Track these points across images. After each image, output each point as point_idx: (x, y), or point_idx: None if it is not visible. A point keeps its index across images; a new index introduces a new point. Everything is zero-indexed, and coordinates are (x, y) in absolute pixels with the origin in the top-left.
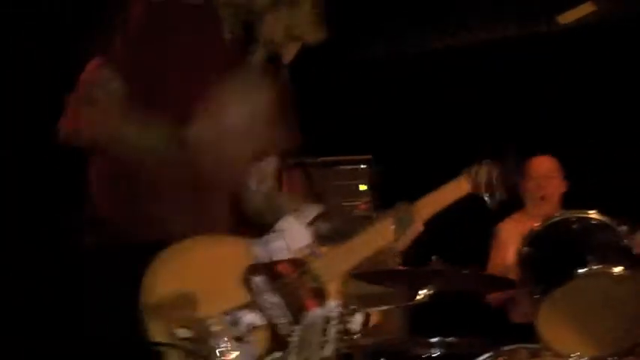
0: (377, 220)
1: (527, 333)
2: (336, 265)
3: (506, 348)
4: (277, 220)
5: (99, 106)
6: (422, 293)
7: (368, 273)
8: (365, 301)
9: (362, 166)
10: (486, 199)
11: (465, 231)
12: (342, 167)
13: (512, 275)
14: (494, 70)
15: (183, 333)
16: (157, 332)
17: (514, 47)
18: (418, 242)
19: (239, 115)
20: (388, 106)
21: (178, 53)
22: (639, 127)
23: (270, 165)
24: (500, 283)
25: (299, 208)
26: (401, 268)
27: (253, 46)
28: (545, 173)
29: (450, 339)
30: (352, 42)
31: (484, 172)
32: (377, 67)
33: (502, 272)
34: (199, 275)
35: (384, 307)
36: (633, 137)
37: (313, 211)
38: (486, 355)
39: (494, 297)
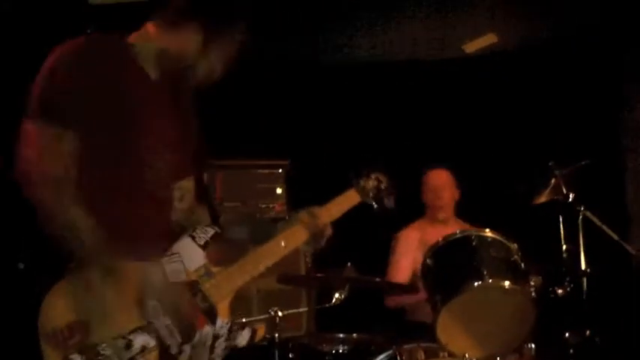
0: (285, 227)
1: (423, 331)
2: (226, 285)
3: (406, 346)
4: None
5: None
6: (336, 297)
7: (289, 276)
8: (282, 303)
9: (279, 170)
10: (375, 206)
11: (373, 238)
12: (260, 171)
13: (409, 278)
14: (403, 88)
15: (77, 359)
16: (54, 359)
17: (423, 68)
18: (332, 250)
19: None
20: (306, 113)
21: (106, 88)
22: (525, 142)
23: (189, 182)
24: (405, 289)
25: (196, 229)
26: (318, 274)
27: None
28: (441, 184)
29: (354, 336)
30: (280, 47)
31: (372, 183)
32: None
33: (400, 278)
34: (94, 302)
35: (300, 310)
36: (520, 151)
37: (208, 231)
38: (387, 353)
39: (392, 299)
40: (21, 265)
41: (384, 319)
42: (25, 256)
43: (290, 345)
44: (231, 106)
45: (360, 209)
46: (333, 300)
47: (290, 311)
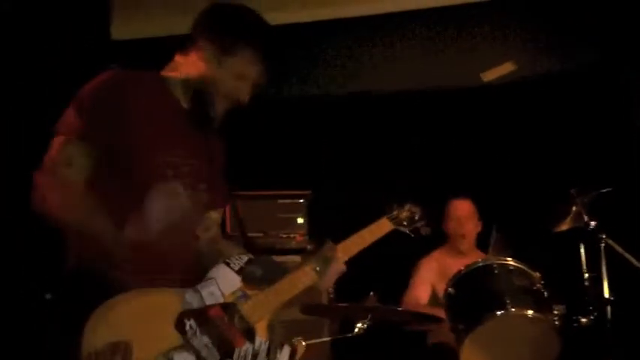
0: (300, 263)
1: (446, 354)
2: (263, 306)
3: None
4: (214, 263)
5: (64, 189)
6: (358, 327)
7: (312, 306)
8: (305, 333)
9: (300, 201)
10: (411, 235)
11: (395, 268)
12: (281, 201)
13: (428, 306)
14: (424, 117)
15: None
16: None
17: (440, 98)
18: (355, 279)
19: (198, 168)
20: (328, 143)
21: (139, 119)
22: (545, 169)
23: (217, 214)
24: (429, 319)
25: (232, 255)
26: (340, 304)
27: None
28: (464, 214)
29: None
30: (302, 76)
31: (405, 213)
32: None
33: (417, 304)
34: (135, 325)
35: (324, 339)
36: (540, 179)
37: (243, 258)
38: None
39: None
40: (48, 296)
41: (406, 348)
42: (53, 286)
43: None
44: (252, 136)
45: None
46: (356, 330)
47: (313, 341)
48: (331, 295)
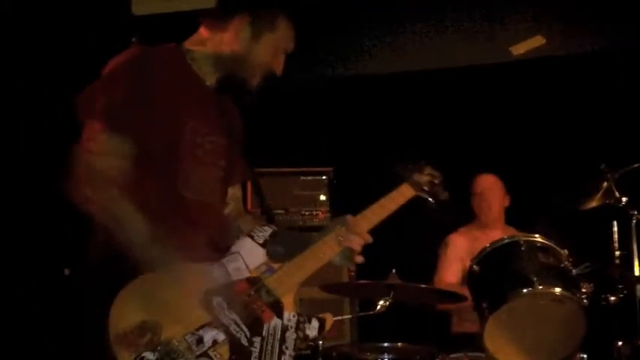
0: (323, 234)
1: (470, 341)
2: (288, 279)
3: (452, 355)
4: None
5: (98, 183)
6: (380, 304)
7: (333, 285)
8: (325, 312)
9: (322, 177)
10: (431, 201)
11: (419, 243)
12: (303, 178)
13: (458, 285)
14: (451, 94)
15: (150, 356)
16: (125, 359)
17: (470, 75)
18: (377, 256)
19: (219, 143)
20: (350, 120)
21: (166, 101)
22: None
23: (235, 190)
24: (452, 297)
25: (255, 229)
26: (361, 282)
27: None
28: (488, 187)
29: (398, 345)
30: (316, 60)
31: (425, 177)
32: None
33: (449, 282)
34: (163, 303)
35: (343, 317)
36: (571, 154)
37: (267, 230)
38: None
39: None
40: (67, 271)
41: (429, 326)
42: (71, 261)
43: (334, 354)
44: (274, 113)
45: (406, 213)
46: (378, 307)
47: (334, 318)
48: (352, 273)
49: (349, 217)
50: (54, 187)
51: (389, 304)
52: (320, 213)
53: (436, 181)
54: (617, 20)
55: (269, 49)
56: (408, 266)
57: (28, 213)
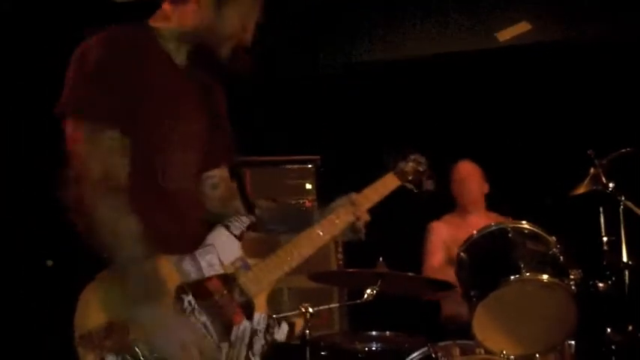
0: (326, 212)
1: (459, 329)
2: (264, 277)
3: (441, 344)
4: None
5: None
6: (367, 293)
7: (321, 273)
8: (313, 301)
9: (309, 166)
10: (414, 190)
11: (406, 232)
12: (289, 167)
13: (444, 274)
14: (437, 81)
15: (112, 359)
16: None
17: (455, 61)
18: (364, 245)
19: (199, 128)
20: (336, 108)
21: (136, 79)
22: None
23: (223, 171)
24: (439, 285)
25: (231, 218)
26: (349, 270)
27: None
28: (466, 174)
29: (387, 333)
30: (305, 49)
31: (411, 165)
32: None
33: (434, 270)
34: (131, 299)
35: (331, 306)
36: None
37: (244, 222)
38: (422, 350)
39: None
40: (49, 262)
41: (418, 315)
42: (54, 253)
43: (322, 343)
44: (260, 102)
45: (393, 203)
46: (365, 296)
47: (321, 307)
48: (340, 262)
49: (354, 194)
50: (36, 181)
51: (376, 293)
52: (307, 202)
53: (421, 169)
54: (603, 7)
55: (234, 18)
56: (395, 255)
57: (11, 206)
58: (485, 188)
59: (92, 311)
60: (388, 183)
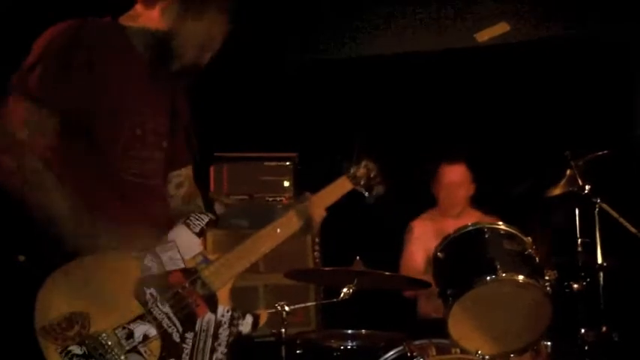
0: (268, 226)
1: (435, 327)
2: (226, 271)
3: (417, 342)
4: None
5: (16, 153)
6: (344, 292)
7: (297, 271)
8: (289, 298)
9: (286, 163)
10: (365, 194)
11: (381, 232)
12: (267, 163)
13: (424, 272)
14: (414, 81)
15: (76, 350)
16: (51, 352)
17: (433, 60)
18: (341, 243)
19: (161, 124)
20: (314, 106)
21: (100, 71)
22: (539, 132)
23: (187, 170)
24: (416, 284)
25: (191, 216)
26: (326, 268)
27: (169, 61)
28: (456, 181)
29: (362, 332)
30: (282, 45)
31: (362, 170)
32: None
33: (414, 269)
34: (92, 293)
35: (308, 304)
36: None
37: (203, 219)
38: (398, 349)
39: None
40: (21, 258)
41: (394, 313)
42: (26, 248)
43: (298, 341)
44: (238, 98)
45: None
46: (342, 295)
47: (297, 306)
48: (317, 260)
49: (309, 195)
50: None
51: (353, 291)
52: (284, 199)
53: (372, 175)
54: (581, 7)
55: (193, 35)
56: (372, 253)
57: None
58: (471, 190)
59: (53, 303)
60: (341, 186)
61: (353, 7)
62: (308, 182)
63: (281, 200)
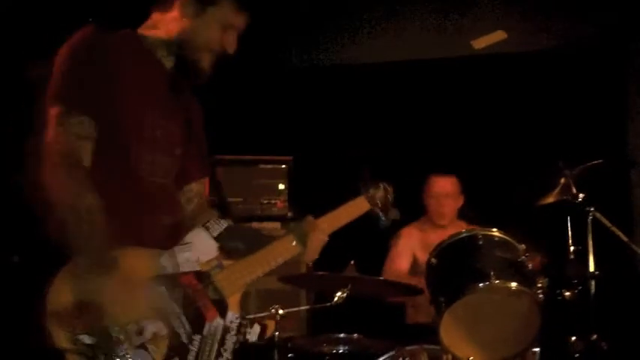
0: (280, 235)
1: (426, 333)
2: (238, 278)
3: (408, 348)
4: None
5: (65, 167)
6: (337, 296)
7: (290, 276)
8: (282, 303)
9: (282, 166)
10: (382, 218)
11: (375, 238)
12: (262, 166)
13: (407, 275)
14: (411, 86)
15: (86, 339)
16: (60, 338)
17: (429, 68)
18: (334, 248)
19: (175, 133)
20: (310, 110)
21: (124, 83)
22: (533, 141)
23: (199, 186)
24: (409, 290)
25: (211, 221)
26: (320, 273)
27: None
28: (445, 193)
29: (354, 336)
30: (279, 49)
31: (381, 192)
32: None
33: (397, 273)
34: (106, 286)
35: (301, 308)
36: (528, 151)
37: (222, 224)
38: (389, 354)
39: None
40: (16, 258)
41: (386, 318)
42: (21, 249)
43: (289, 345)
44: (234, 101)
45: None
46: (335, 299)
47: (290, 310)
48: (310, 265)
49: (309, 217)
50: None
51: (346, 296)
52: (279, 202)
53: (389, 197)
54: (578, 18)
55: (214, 25)
56: (365, 259)
57: None
58: (460, 202)
59: (66, 290)
60: (359, 207)
61: (351, 14)
62: (303, 186)
63: (275, 204)
